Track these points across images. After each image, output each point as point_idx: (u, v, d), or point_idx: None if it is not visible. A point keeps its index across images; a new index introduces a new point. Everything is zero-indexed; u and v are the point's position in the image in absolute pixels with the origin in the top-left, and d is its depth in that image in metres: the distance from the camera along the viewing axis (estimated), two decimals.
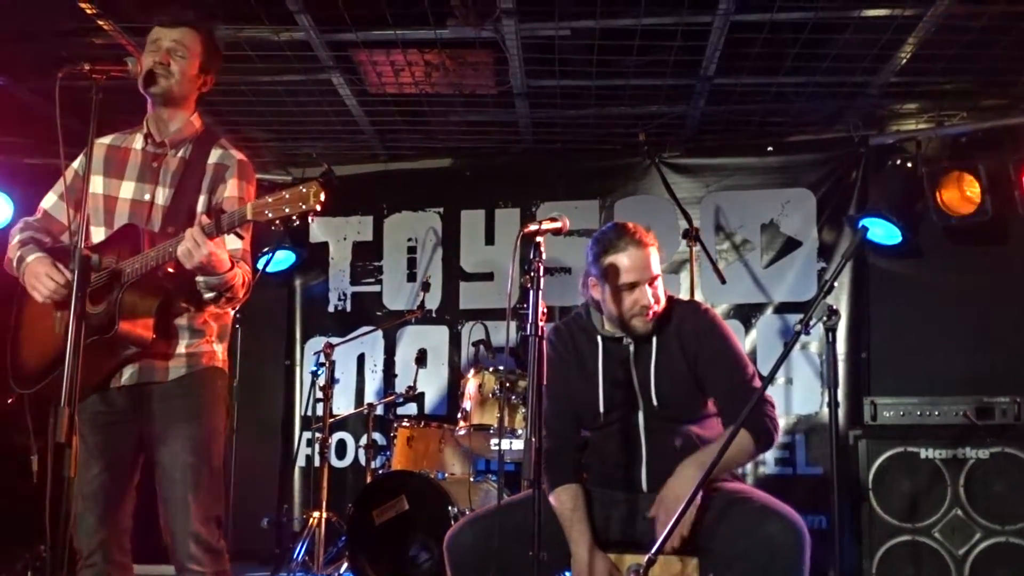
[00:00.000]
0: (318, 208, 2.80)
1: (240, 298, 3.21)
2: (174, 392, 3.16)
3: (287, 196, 2.81)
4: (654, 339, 3.37)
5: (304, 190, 2.80)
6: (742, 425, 3.13)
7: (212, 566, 3.10)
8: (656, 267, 3.33)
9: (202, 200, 3.21)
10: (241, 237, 3.18)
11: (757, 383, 3.34)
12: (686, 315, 3.43)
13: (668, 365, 3.35)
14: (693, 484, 3.01)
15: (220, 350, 3.33)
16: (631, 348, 3.39)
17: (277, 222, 2.84)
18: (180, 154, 3.26)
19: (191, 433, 3.13)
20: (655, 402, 3.32)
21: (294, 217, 2.82)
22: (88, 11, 4.80)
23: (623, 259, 3.29)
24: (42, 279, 3.06)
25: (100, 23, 4.91)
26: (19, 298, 3.27)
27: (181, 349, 3.19)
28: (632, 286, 3.29)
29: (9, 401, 3.19)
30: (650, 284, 3.30)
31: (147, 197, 3.22)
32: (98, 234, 3.22)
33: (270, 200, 2.84)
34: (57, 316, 3.13)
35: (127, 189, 3.24)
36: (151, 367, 3.15)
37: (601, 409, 3.38)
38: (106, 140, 3.34)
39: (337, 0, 4.70)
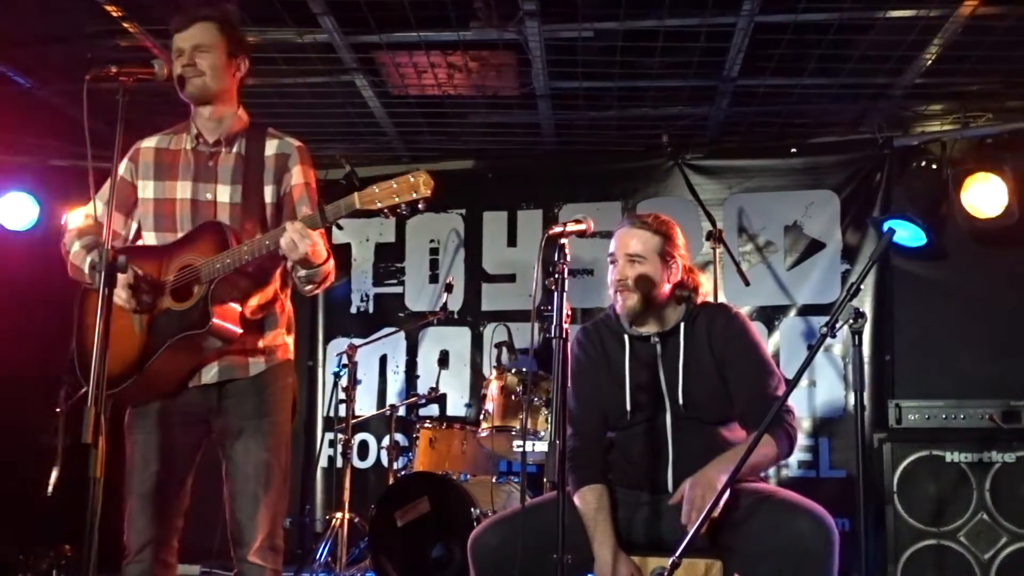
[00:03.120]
0: (429, 195, 2.84)
1: (329, 281, 3.27)
2: (249, 389, 3.20)
3: (395, 186, 2.86)
4: (681, 339, 3.37)
5: (413, 180, 2.84)
6: (769, 433, 3.13)
7: (272, 562, 3.16)
8: (640, 247, 3.34)
9: (269, 191, 3.23)
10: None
11: (781, 391, 3.31)
12: (716, 317, 3.42)
13: (696, 365, 3.34)
14: (724, 474, 3.02)
15: (290, 342, 3.38)
16: (658, 347, 3.39)
17: (385, 211, 2.88)
18: (235, 150, 3.27)
19: (264, 430, 3.18)
20: (681, 402, 3.31)
21: (403, 206, 2.86)
22: (114, 13, 4.83)
23: (616, 232, 3.44)
24: (121, 283, 3.05)
25: (126, 25, 4.94)
26: (82, 301, 3.27)
27: (260, 343, 3.23)
28: (611, 259, 3.40)
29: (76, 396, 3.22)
30: (629, 261, 3.34)
31: (208, 196, 3.23)
32: (150, 238, 3.25)
33: (378, 190, 2.87)
34: (135, 317, 3.13)
35: (184, 190, 3.25)
36: (232, 364, 3.19)
37: (628, 408, 3.37)
38: (151, 143, 3.34)
39: (360, 2, 4.71)
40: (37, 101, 5.84)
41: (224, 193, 3.23)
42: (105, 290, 2.71)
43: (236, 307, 3.11)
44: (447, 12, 4.80)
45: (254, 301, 3.21)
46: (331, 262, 3.18)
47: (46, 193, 6.38)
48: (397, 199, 2.84)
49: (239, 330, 3.11)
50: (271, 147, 3.28)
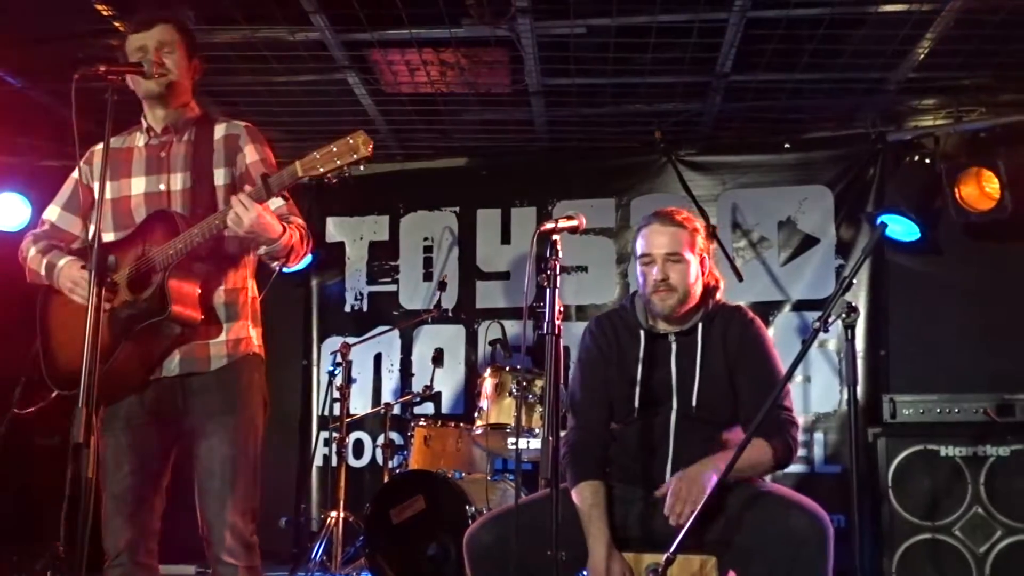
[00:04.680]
0: (369, 153, 2.81)
1: (303, 253, 3.24)
2: (212, 384, 3.17)
3: (335, 149, 2.83)
4: (699, 339, 3.36)
5: (352, 140, 2.82)
6: (765, 438, 3.16)
7: (246, 560, 3.12)
8: (680, 247, 3.31)
9: (220, 174, 3.22)
10: (285, 198, 3.23)
11: (788, 403, 3.33)
12: (732, 320, 3.41)
13: (708, 367, 3.33)
14: (713, 473, 3.05)
15: (256, 335, 3.34)
16: (674, 346, 3.38)
17: (328, 175, 2.85)
18: (185, 138, 3.28)
19: (229, 425, 3.15)
20: (687, 402, 3.31)
21: (346, 168, 2.84)
22: (104, 12, 4.82)
23: (645, 232, 3.36)
24: (80, 283, 3.08)
25: (116, 24, 4.92)
26: (43, 303, 3.28)
27: (221, 336, 3.21)
28: (646, 260, 3.33)
29: (53, 395, 3.20)
30: (668, 261, 3.30)
31: (161, 187, 3.23)
32: (110, 238, 3.22)
33: (318, 155, 2.85)
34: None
35: (138, 185, 3.26)
36: (193, 357, 3.17)
37: (636, 404, 3.36)
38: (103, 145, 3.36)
39: (352, 0, 4.70)
40: (28, 101, 5.83)
41: (176, 181, 3.22)
42: (95, 290, 2.71)
43: (195, 292, 3.10)
44: (439, 9, 4.79)
45: (220, 288, 3.21)
46: (294, 236, 3.14)
47: (37, 193, 6.35)
48: (338, 162, 2.82)
49: (199, 315, 3.09)
50: (219, 131, 3.29)
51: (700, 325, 3.37)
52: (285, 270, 3.47)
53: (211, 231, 2.98)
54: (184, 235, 3.01)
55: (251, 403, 3.24)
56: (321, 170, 2.84)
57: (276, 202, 3.20)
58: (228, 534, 3.09)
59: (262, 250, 3.10)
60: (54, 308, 3.26)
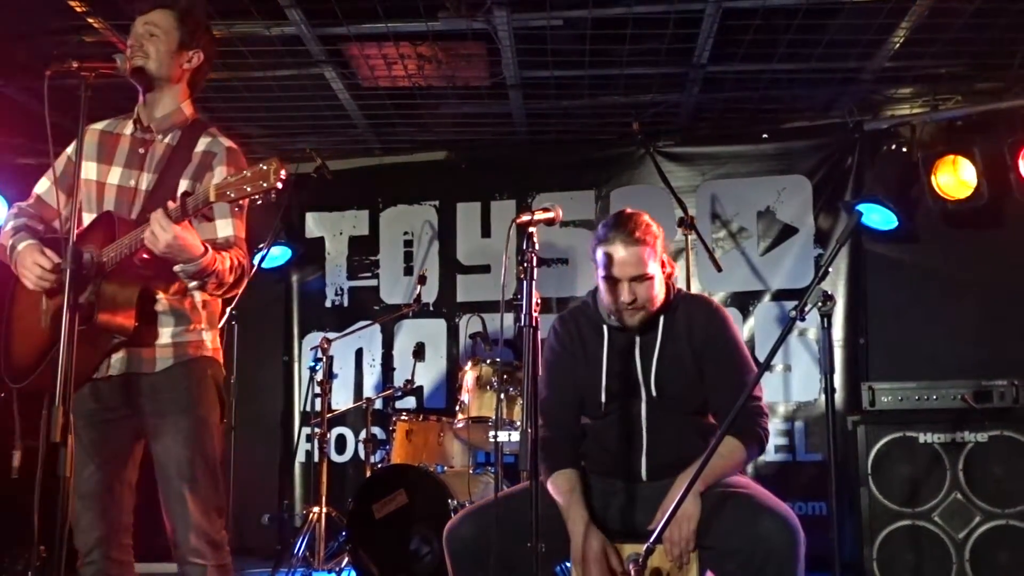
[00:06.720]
0: (278, 186, 2.72)
1: (229, 283, 3.13)
2: (162, 385, 3.11)
3: (247, 175, 2.75)
4: (660, 330, 3.36)
5: (264, 168, 2.73)
6: (733, 434, 3.16)
7: (214, 558, 3.08)
8: (644, 266, 3.23)
9: (184, 186, 3.12)
10: (232, 223, 3.15)
11: (757, 391, 3.31)
12: (696, 309, 3.41)
13: (673, 357, 3.33)
14: (698, 502, 3.07)
15: (209, 338, 3.26)
16: (637, 338, 3.38)
17: (241, 202, 2.78)
18: (167, 140, 3.22)
19: (182, 426, 3.09)
20: (656, 393, 3.31)
21: (256, 197, 2.75)
22: (78, 9, 4.79)
23: (610, 252, 3.26)
24: (30, 266, 3.03)
25: (90, 21, 4.90)
26: (13, 289, 3.23)
27: (167, 338, 3.14)
28: (611, 281, 3.27)
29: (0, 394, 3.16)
30: (633, 281, 3.24)
31: (132, 183, 3.18)
32: (87, 219, 3.19)
33: (232, 180, 2.78)
34: (43, 308, 3.09)
35: (115, 175, 3.21)
36: (138, 357, 3.11)
37: (603, 398, 3.36)
38: (100, 126, 3.31)
39: None
40: (3, 99, 5.79)
41: (145, 181, 3.17)
42: (70, 296, 2.68)
43: (130, 299, 3.02)
44: (415, 2, 4.78)
45: (165, 293, 3.14)
46: (220, 263, 3.03)
47: (14, 192, 6.31)
48: (248, 189, 2.74)
49: (131, 323, 3.01)
50: (202, 144, 3.22)
51: (662, 317, 3.38)
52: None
53: (137, 244, 2.90)
54: (116, 243, 2.96)
55: (203, 402, 3.17)
56: (231, 195, 2.76)
57: (225, 228, 3.16)
58: (192, 534, 3.05)
59: (177, 268, 2.97)
60: (19, 295, 3.21)
